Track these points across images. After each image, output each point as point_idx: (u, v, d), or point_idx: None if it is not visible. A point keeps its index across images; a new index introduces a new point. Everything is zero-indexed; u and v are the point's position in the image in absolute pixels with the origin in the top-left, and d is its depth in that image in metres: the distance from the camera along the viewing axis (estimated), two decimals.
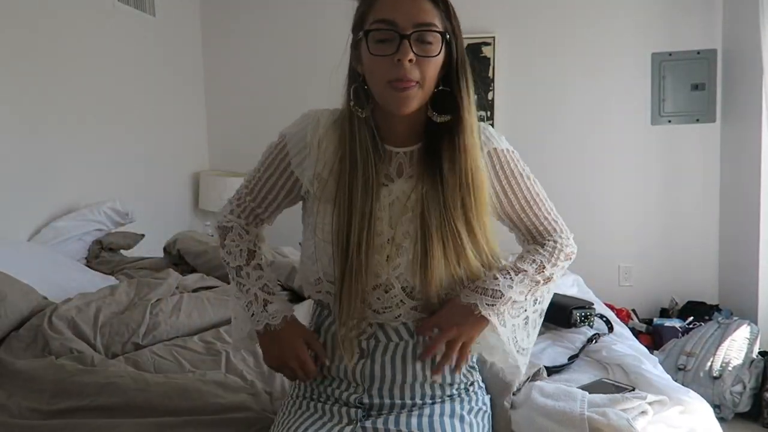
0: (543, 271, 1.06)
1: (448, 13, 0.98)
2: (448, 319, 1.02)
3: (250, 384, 1.38)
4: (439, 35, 0.95)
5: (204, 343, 1.61)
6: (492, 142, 1.05)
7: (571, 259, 1.11)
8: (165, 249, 2.53)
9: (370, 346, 1.05)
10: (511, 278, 1.03)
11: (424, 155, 1.03)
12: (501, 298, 1.01)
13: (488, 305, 1.01)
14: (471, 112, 1.00)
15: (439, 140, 1.01)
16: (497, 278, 1.02)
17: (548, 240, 1.11)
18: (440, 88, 1.00)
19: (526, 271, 1.05)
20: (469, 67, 1.01)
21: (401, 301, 1.03)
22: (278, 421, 1.07)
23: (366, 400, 1.04)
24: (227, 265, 1.15)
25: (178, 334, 1.69)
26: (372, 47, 0.96)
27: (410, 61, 0.93)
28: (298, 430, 1.00)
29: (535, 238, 1.12)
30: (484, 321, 1.02)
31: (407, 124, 1.03)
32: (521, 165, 1.08)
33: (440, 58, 0.97)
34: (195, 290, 2.00)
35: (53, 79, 2.54)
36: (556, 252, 1.09)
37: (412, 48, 0.93)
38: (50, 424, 1.20)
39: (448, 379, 1.06)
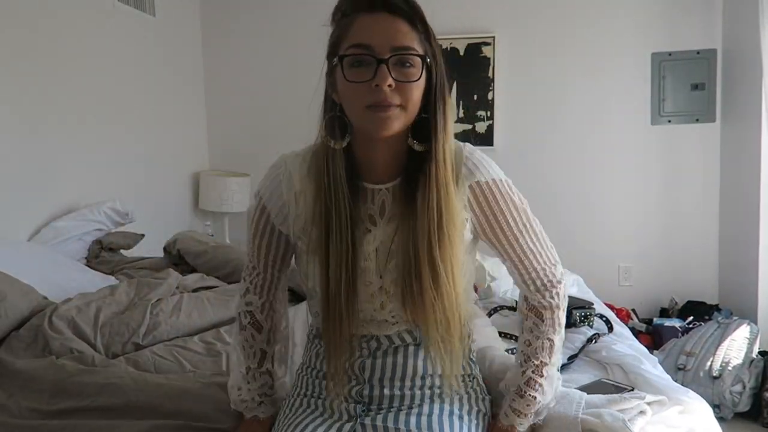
0: (553, 351, 1.05)
1: (427, 36, 0.93)
2: None
3: None
4: (419, 59, 0.90)
5: (204, 344, 1.61)
6: (475, 174, 0.98)
7: (565, 307, 1.08)
8: (165, 249, 2.53)
9: (372, 347, 1.05)
10: (543, 391, 1.05)
11: (405, 189, 0.97)
12: (545, 409, 1.07)
13: (540, 417, 1.07)
14: (446, 142, 0.94)
15: (417, 172, 0.95)
16: (537, 399, 1.04)
17: (542, 295, 1.05)
18: (422, 115, 0.94)
19: (547, 363, 1.05)
20: (448, 94, 0.96)
21: (399, 325, 1.03)
22: (280, 418, 1.08)
23: (366, 392, 1.04)
24: (237, 356, 1.16)
25: (178, 334, 1.69)
26: (348, 73, 0.90)
27: (389, 86, 0.88)
28: (299, 426, 1.01)
29: (523, 278, 1.05)
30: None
31: (389, 155, 0.98)
32: (510, 195, 1.00)
33: (422, 82, 0.92)
34: (195, 290, 2.00)
35: (53, 79, 2.55)
36: (556, 318, 1.05)
37: (390, 73, 0.88)
38: (50, 425, 1.20)
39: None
